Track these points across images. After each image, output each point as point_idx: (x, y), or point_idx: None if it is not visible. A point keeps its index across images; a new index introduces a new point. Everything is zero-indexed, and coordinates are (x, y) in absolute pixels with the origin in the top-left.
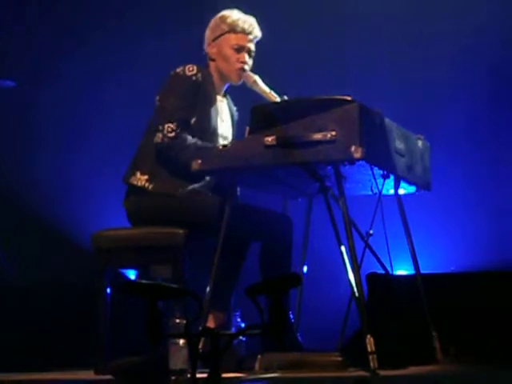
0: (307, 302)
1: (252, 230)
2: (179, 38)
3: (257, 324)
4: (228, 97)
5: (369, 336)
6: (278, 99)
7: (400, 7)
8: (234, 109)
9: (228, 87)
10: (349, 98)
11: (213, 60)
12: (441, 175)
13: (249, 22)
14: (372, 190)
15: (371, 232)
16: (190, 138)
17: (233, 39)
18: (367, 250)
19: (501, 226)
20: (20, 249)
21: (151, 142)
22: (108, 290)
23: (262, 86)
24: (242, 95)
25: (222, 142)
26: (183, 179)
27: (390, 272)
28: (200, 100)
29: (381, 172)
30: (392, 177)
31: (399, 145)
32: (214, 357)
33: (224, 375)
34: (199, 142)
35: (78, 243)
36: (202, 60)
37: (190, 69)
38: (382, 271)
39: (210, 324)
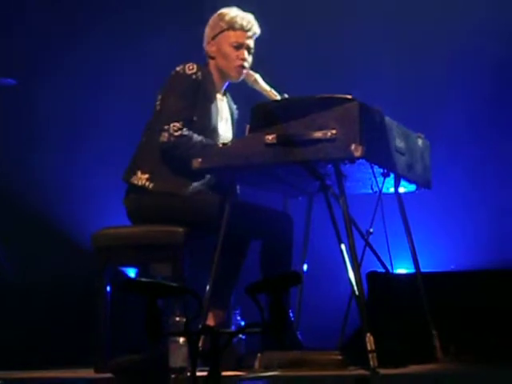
0: (307, 301)
1: (252, 228)
2: (179, 37)
3: (257, 322)
4: (228, 95)
5: (369, 334)
6: (278, 97)
7: (401, 6)
8: (234, 107)
9: (228, 85)
10: (349, 97)
11: (212, 58)
12: (441, 174)
13: (247, 19)
14: (372, 189)
15: (371, 230)
16: (195, 135)
17: (232, 36)
18: (367, 248)
19: (501, 225)
20: (20, 248)
21: (152, 142)
22: (108, 289)
23: (263, 85)
24: (242, 93)
25: (221, 140)
26: (185, 178)
27: (390, 270)
28: (200, 98)
29: (381, 170)
30: (392, 175)
31: (399, 143)
32: (213, 355)
33: (224, 373)
34: (205, 140)
35: (78, 242)
36: (202, 60)
37: (190, 67)
38: (382, 270)
39: (210, 322)
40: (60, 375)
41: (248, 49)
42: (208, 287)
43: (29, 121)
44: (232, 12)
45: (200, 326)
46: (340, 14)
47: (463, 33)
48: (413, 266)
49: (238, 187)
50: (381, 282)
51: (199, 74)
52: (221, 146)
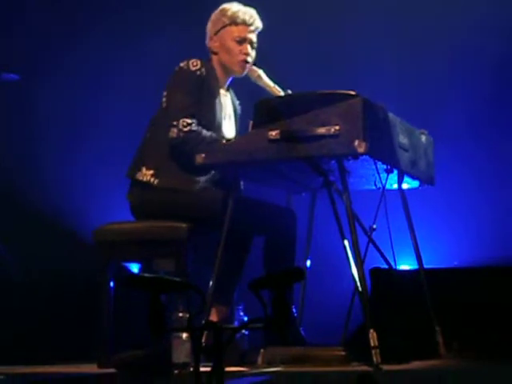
0: (310, 297)
1: (256, 223)
2: (179, 37)
3: (260, 318)
4: (231, 91)
5: (372, 330)
6: (282, 93)
7: (402, 1)
8: (237, 103)
9: (231, 81)
10: (353, 93)
11: (215, 54)
12: (444, 170)
13: (249, 14)
14: (375, 185)
15: (374, 226)
16: (204, 131)
17: (234, 31)
18: (370, 244)
19: (504, 222)
20: (23, 243)
21: (157, 137)
22: (111, 284)
23: (266, 80)
24: (245, 89)
25: (225, 136)
26: (191, 174)
27: (394, 267)
28: (204, 94)
29: (384, 166)
30: (396, 171)
31: (403, 139)
32: (216, 351)
33: (227, 369)
34: (214, 135)
35: (81, 237)
36: (204, 57)
37: (194, 63)
38: (386, 266)
39: (213, 318)
40: (63, 370)
41: (251, 43)
42: (211, 283)
43: (32, 114)
44: (234, 7)
45: (203, 322)
46: (342, 9)
47: (464, 29)
48: (416, 262)
49: (241, 183)
50: (384, 278)
51: (203, 69)
52: (224, 141)
